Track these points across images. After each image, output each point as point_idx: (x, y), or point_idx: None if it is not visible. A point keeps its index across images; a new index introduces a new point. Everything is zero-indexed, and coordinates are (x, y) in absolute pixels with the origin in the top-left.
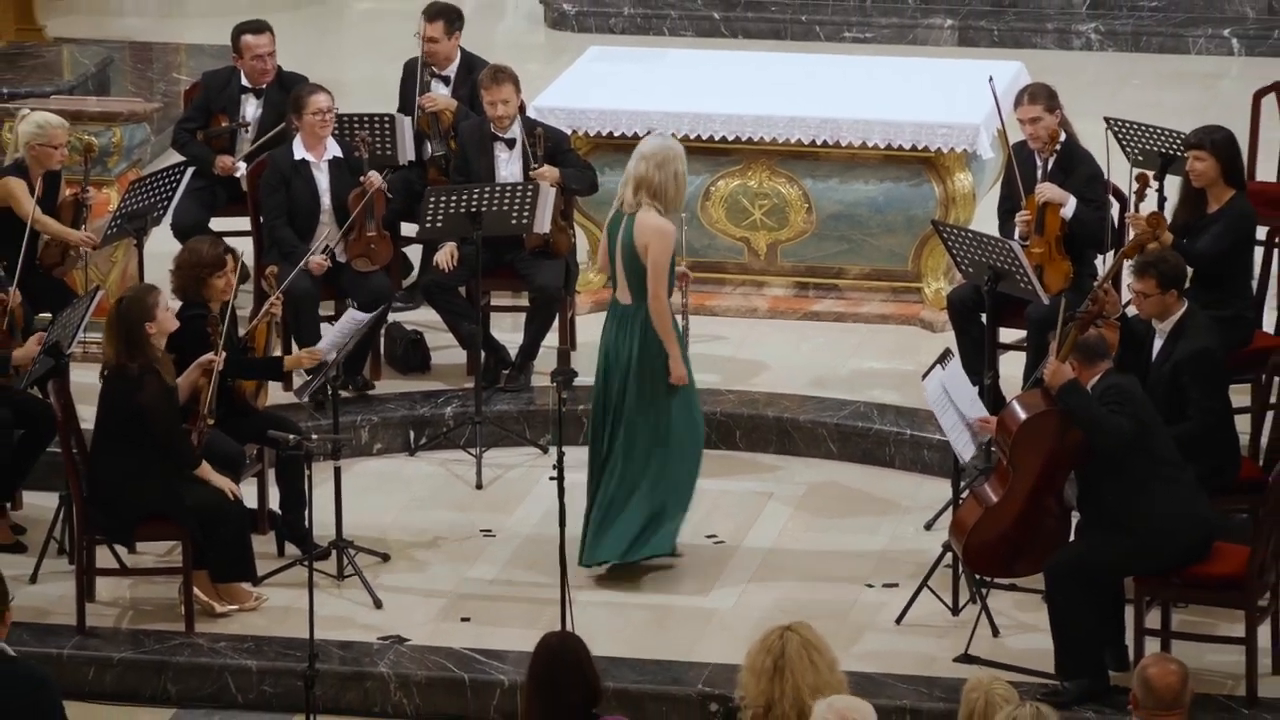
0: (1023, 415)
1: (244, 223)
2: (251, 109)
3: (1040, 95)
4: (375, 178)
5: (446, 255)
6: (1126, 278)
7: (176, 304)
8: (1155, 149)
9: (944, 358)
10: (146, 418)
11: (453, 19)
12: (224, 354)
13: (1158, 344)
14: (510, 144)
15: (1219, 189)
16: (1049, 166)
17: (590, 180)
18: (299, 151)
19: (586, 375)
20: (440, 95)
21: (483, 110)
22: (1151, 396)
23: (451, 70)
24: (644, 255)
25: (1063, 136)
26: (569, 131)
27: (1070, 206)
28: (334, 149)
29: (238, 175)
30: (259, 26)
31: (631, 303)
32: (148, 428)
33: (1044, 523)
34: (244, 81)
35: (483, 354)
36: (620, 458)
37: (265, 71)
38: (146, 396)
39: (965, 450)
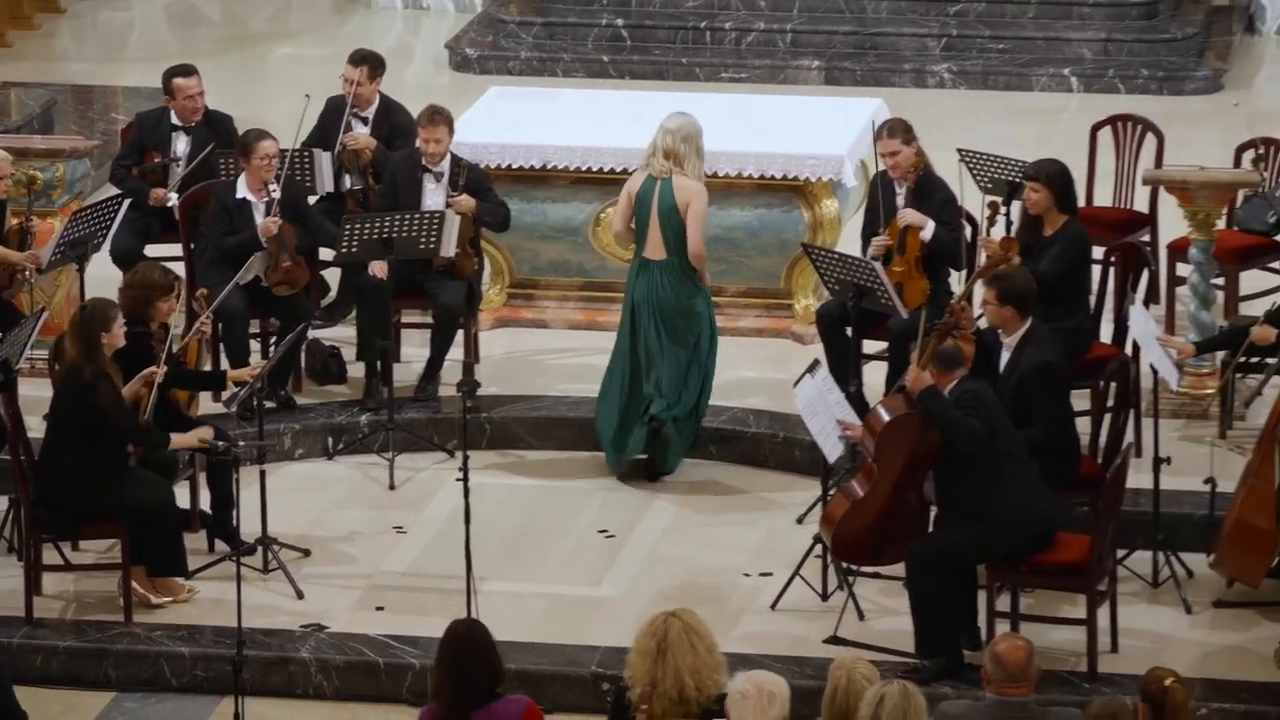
0: (886, 417)
1: (176, 249)
2: (182, 145)
3: (898, 129)
4: (270, 224)
5: (382, 265)
6: (981, 296)
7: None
8: (1003, 177)
9: (813, 368)
10: (108, 421)
11: (375, 65)
12: (165, 369)
13: (1005, 357)
14: (438, 177)
15: (1053, 215)
16: (908, 193)
17: (503, 218)
18: (241, 190)
19: (490, 386)
20: (361, 134)
21: (398, 148)
22: (1000, 402)
23: (371, 112)
24: (684, 211)
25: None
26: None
27: (929, 230)
28: (275, 190)
29: (170, 206)
30: (188, 70)
31: (666, 257)
32: (109, 428)
33: (905, 515)
34: (174, 120)
35: (378, 366)
36: (668, 384)
37: (195, 111)
38: (103, 401)
39: (832, 451)
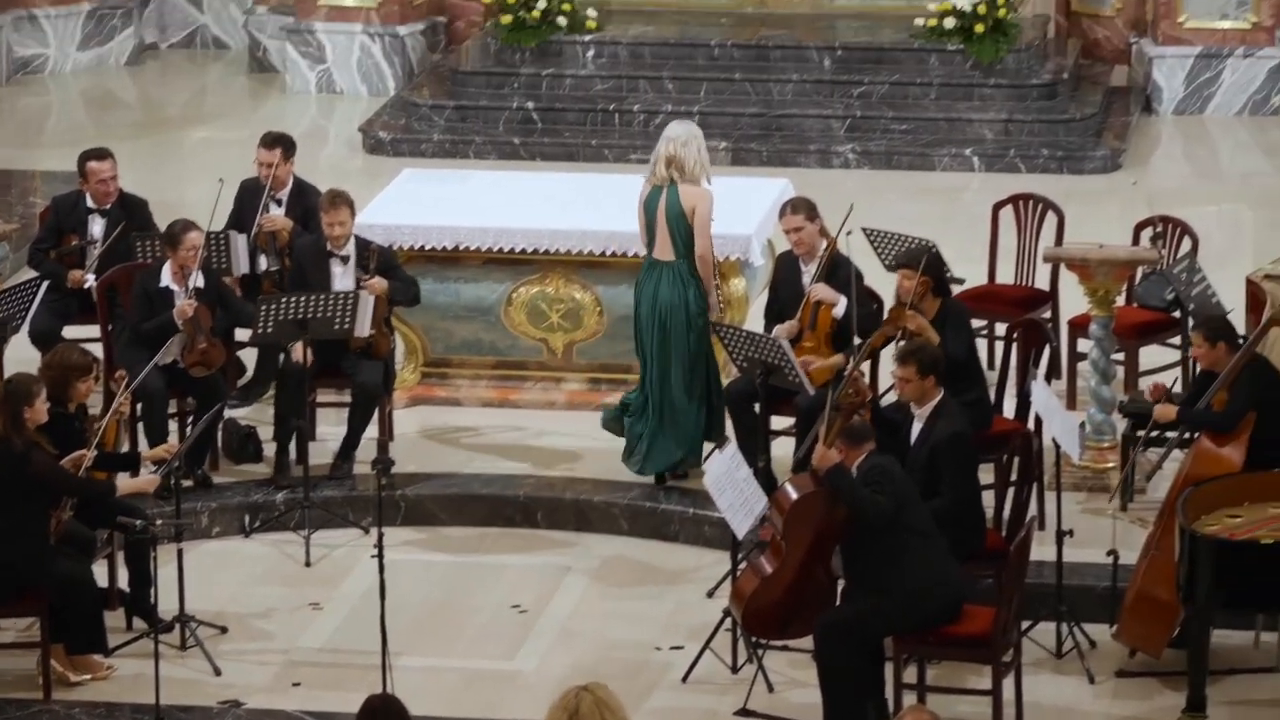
0: (794, 495)
1: (94, 330)
2: (98, 228)
3: (801, 207)
4: (186, 307)
5: (303, 351)
6: (896, 374)
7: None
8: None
9: (721, 444)
10: (49, 485)
11: (288, 146)
12: (95, 453)
13: (916, 427)
14: (344, 260)
15: (928, 301)
16: (815, 271)
17: (414, 294)
18: (165, 279)
19: (404, 463)
20: (278, 216)
21: (313, 230)
22: (910, 475)
23: (285, 193)
24: (690, 216)
25: (822, 244)
26: (387, 245)
27: (841, 306)
28: (197, 279)
29: (87, 288)
30: (101, 153)
31: (674, 259)
32: (49, 493)
33: (814, 590)
34: (89, 203)
35: (291, 445)
36: (674, 382)
37: (108, 194)
38: (39, 468)
39: (741, 527)
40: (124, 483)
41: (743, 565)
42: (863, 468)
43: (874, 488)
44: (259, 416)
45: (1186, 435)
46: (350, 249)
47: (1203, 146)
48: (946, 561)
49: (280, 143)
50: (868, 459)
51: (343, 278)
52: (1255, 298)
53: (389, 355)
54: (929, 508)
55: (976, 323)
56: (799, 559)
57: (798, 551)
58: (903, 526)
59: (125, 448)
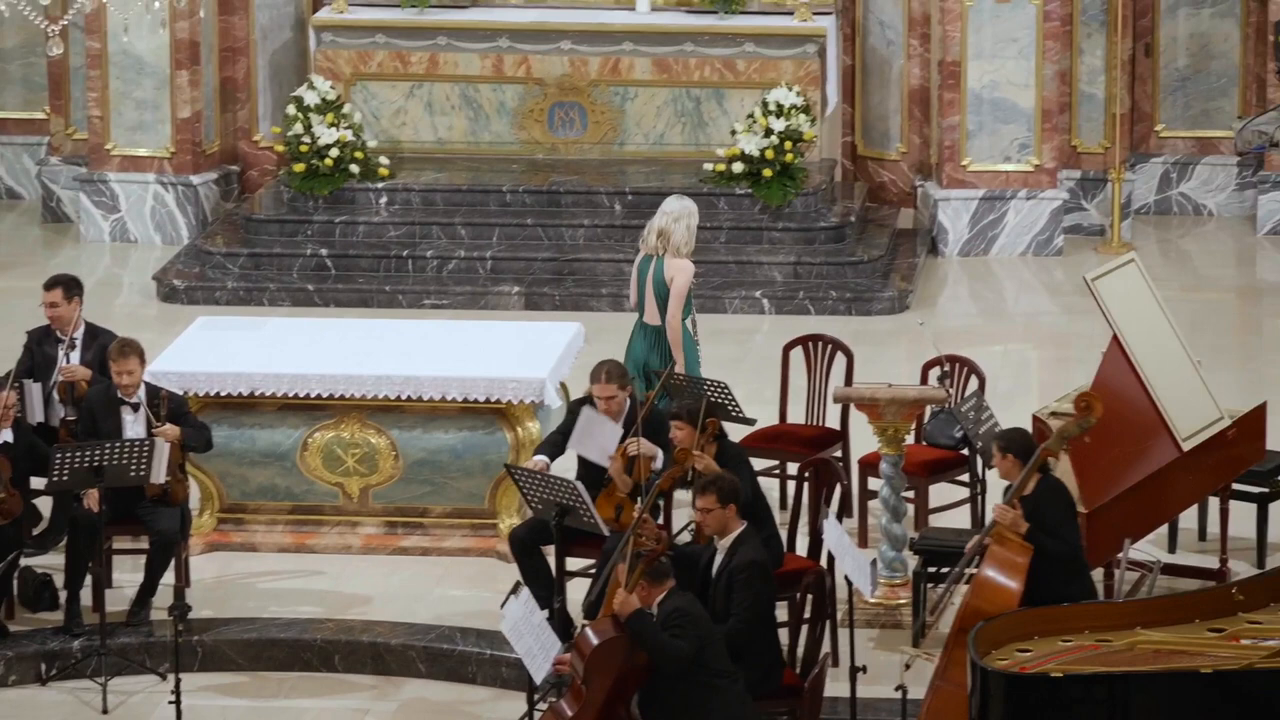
0: (595, 641)
1: None
2: None
3: (615, 375)
4: None
5: (95, 498)
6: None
7: None
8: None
9: (515, 589)
10: None
11: (70, 286)
12: None
13: (718, 559)
14: (135, 408)
15: (709, 446)
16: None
17: (206, 439)
18: None
19: (201, 609)
20: (77, 366)
21: (108, 376)
22: (711, 608)
23: (79, 335)
24: (670, 284)
25: (627, 404)
26: (181, 393)
27: (660, 459)
28: (5, 434)
29: None
30: None
31: (660, 323)
32: None
33: None
34: None
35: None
36: None
37: None
38: None
39: (538, 672)
40: None
41: (540, 706)
42: (664, 608)
43: (674, 631)
44: (55, 564)
45: (968, 569)
46: (141, 396)
47: (988, 287)
48: (743, 700)
49: (60, 283)
50: (668, 598)
51: (133, 425)
52: (1042, 435)
53: (185, 501)
54: (722, 630)
55: (769, 462)
56: (599, 704)
57: (599, 695)
58: (701, 667)
59: None
